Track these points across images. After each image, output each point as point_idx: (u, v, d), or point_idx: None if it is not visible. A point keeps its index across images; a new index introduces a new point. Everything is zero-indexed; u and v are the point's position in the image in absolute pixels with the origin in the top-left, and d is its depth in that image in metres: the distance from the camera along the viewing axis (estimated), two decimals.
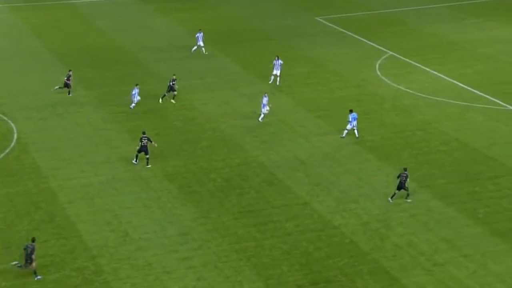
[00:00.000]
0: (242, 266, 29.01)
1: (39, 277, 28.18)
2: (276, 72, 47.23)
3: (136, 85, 43.72)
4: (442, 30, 58.62)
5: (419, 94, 45.70)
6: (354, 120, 39.44)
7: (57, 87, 45.77)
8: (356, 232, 31.12)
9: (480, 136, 39.58)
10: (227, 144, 38.51)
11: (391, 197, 33.26)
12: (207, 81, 48.74)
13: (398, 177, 33.39)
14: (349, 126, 39.45)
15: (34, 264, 28.02)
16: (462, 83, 47.17)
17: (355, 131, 39.47)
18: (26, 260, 27.96)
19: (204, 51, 53.46)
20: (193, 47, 53.64)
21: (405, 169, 33.66)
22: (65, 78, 45.69)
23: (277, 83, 47.09)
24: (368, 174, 36.01)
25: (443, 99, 44.57)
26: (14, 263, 28.47)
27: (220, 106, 44.43)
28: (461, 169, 36.05)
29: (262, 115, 41.78)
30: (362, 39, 57.11)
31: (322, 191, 34.48)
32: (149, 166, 36.39)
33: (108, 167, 35.97)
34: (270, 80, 47.31)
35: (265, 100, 41.88)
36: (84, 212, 32.71)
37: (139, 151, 36.62)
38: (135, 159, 36.79)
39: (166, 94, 44.86)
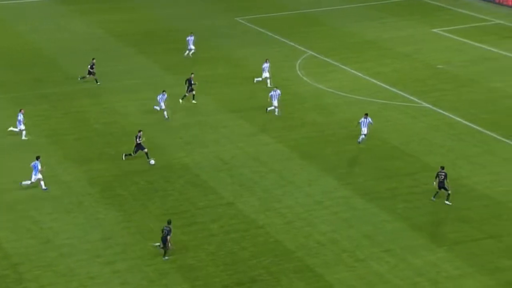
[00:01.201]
0: (167, 268, 28.97)
1: (166, 257, 29.18)
2: (266, 74, 47.08)
3: (163, 91, 42.47)
4: (360, 29, 59.72)
5: (339, 92, 46.49)
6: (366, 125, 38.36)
7: (80, 76, 46.96)
8: (280, 231, 31.46)
9: (398, 133, 40.54)
10: (149, 146, 38.33)
11: (434, 196, 32.90)
12: (128, 83, 48.38)
13: (436, 176, 32.85)
14: (365, 131, 38.56)
15: (169, 245, 29.13)
16: (380, 82, 48.20)
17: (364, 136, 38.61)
18: (163, 241, 29.17)
19: (190, 54, 52.84)
20: (185, 52, 52.79)
21: (443, 168, 33.07)
22: (89, 66, 46.81)
23: (269, 85, 46.78)
24: (291, 173, 36.43)
25: (362, 98, 45.46)
26: (155, 244, 29.47)
27: (142, 108, 44.16)
28: (381, 166, 36.85)
29: (274, 108, 42.08)
30: (282, 39, 57.65)
31: (246, 191, 34.70)
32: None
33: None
34: (257, 80, 47.57)
35: (276, 94, 42.55)
36: (3, 219, 32.03)
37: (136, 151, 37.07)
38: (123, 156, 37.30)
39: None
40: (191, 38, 53.19)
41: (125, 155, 37.44)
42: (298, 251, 29.99)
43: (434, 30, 58.85)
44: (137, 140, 37.08)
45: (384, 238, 30.69)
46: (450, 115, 42.54)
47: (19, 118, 39.41)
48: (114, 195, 34.20)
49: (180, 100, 44.65)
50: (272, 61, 52.36)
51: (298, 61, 52.34)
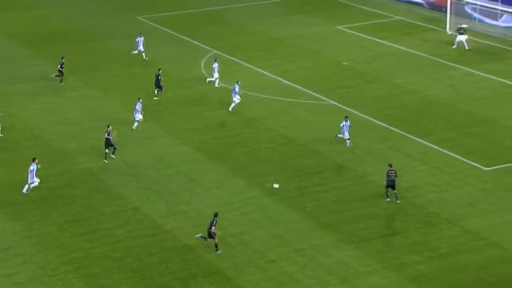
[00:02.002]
0: (71, 278, 28.12)
1: (219, 251, 29.16)
2: (216, 75, 46.60)
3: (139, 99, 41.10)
4: (266, 27, 59.85)
5: (246, 91, 46.38)
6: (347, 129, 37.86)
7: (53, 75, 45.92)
8: (189, 235, 31.04)
9: (305, 131, 40.75)
10: (51, 152, 37.21)
11: (387, 198, 32.71)
12: (27, 86, 46.91)
13: (387, 175, 32.78)
14: (347, 135, 37.94)
15: (215, 238, 29.24)
16: (286, 80, 48.40)
17: (347, 140, 38.04)
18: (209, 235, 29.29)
19: (144, 56, 51.50)
20: (133, 51, 51.57)
21: (391, 165, 33.01)
22: (59, 65, 46.52)
23: (216, 85, 46.53)
24: (199, 175, 36.07)
25: (269, 96, 45.49)
26: (198, 235, 29.56)
27: (42, 112, 42.88)
28: (289, 165, 36.94)
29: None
30: (186, 38, 57.18)
31: (153, 195, 34.13)
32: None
33: None
34: (209, 80, 46.87)
35: (237, 88, 41.86)
36: None
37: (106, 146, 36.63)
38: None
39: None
40: (140, 39, 52.01)
41: (105, 156, 36.77)
42: (207, 255, 29.66)
43: (339, 27, 59.59)
44: (106, 135, 36.80)
45: (294, 238, 30.74)
46: (356, 112, 43.07)
47: None
48: (13, 203, 33.02)
49: (155, 98, 44.66)
50: (176, 61, 51.89)
51: (203, 61, 51.99)
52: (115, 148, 37.17)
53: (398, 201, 32.96)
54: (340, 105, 44.17)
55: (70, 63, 50.71)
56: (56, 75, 47.35)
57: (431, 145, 38.52)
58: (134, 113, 40.53)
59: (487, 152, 37.53)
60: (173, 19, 62.42)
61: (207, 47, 54.94)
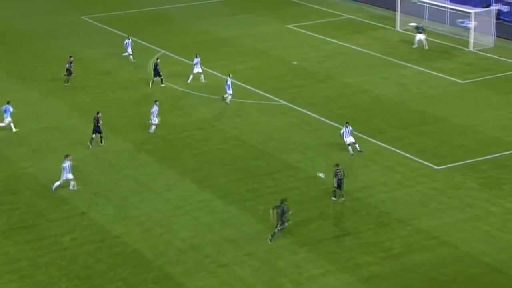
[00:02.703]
0: None
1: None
2: (198, 69, 46.81)
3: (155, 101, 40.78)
4: (213, 26, 59.75)
5: (195, 92, 46.25)
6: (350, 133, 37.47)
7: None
8: (138, 240, 30.79)
9: (256, 132, 40.78)
10: None
11: (333, 197, 33.05)
12: None
13: (334, 175, 32.92)
14: (352, 139, 37.42)
15: (285, 225, 29.76)
16: (236, 80, 48.33)
17: (356, 145, 37.64)
18: (281, 221, 29.85)
19: (132, 59, 50.89)
20: (124, 53, 50.95)
21: (337, 165, 33.18)
22: (67, 64, 46.28)
23: (202, 81, 46.97)
24: (148, 178, 35.82)
25: (219, 97, 45.37)
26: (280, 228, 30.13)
27: None
28: (241, 167, 36.92)
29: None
30: (132, 38, 56.71)
31: (101, 200, 33.79)
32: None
33: None
34: (188, 80, 46.62)
35: (155, 109, 40.40)
36: None
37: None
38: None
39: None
40: (128, 42, 51.31)
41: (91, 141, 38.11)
42: (157, 260, 29.45)
43: (289, 26, 59.81)
44: (96, 122, 38.21)
45: (246, 241, 30.71)
46: (307, 112, 43.27)
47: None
48: None
49: (150, 85, 46.12)
50: (122, 62, 51.47)
51: (150, 61, 51.65)
52: (101, 136, 38.25)
53: (343, 199, 33.18)
54: (291, 105, 44.33)
55: (12, 64, 49.93)
56: (64, 75, 46.97)
57: (382, 144, 38.90)
58: (151, 116, 40.06)
59: (438, 151, 38.07)
60: (118, 19, 61.92)
61: (154, 47, 54.60)
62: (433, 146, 38.69)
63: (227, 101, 43.74)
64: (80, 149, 38.45)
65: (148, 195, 34.31)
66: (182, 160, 37.60)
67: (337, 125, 40.67)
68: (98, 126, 38.18)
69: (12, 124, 40.29)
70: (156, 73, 46.39)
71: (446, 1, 57.47)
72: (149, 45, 55.17)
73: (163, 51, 53.70)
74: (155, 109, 40.30)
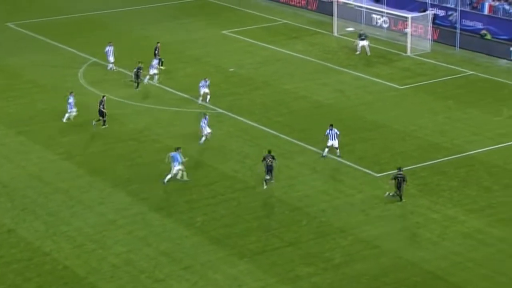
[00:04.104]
0: None
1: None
2: (154, 71, 47.32)
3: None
4: (149, 32, 59.23)
5: (128, 101, 45.70)
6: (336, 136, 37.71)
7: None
8: (69, 256, 30.18)
9: (192, 141, 40.41)
10: None
11: (391, 194, 33.99)
12: None
13: (394, 178, 33.64)
14: (336, 144, 37.64)
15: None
16: (171, 88, 47.99)
17: (337, 150, 37.92)
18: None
19: (113, 67, 49.85)
20: (108, 65, 49.98)
21: (399, 168, 34.02)
22: (135, 70, 46.77)
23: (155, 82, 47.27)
24: (79, 192, 35.20)
25: (153, 106, 44.93)
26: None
27: None
28: (176, 178, 36.54)
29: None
30: (61, 45, 55.96)
31: (29, 216, 33.04)
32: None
33: None
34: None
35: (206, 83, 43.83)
36: None
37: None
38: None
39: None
40: (110, 49, 50.06)
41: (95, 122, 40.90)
42: (90, 277, 28.90)
43: (224, 31, 59.72)
44: (101, 106, 40.81)
45: (183, 255, 30.38)
46: (245, 120, 43.17)
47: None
48: None
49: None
50: (51, 70, 50.72)
51: (81, 69, 50.91)
52: (105, 120, 40.62)
53: (264, 185, 34.38)
54: (228, 113, 44.16)
55: None
56: (131, 80, 47.19)
57: (322, 152, 38.99)
58: (202, 127, 39.34)
59: (378, 158, 38.37)
60: (46, 26, 60.93)
61: (85, 55, 53.84)
62: (373, 153, 39.00)
63: (206, 101, 44.77)
64: (2, 163, 37.62)
65: (79, 209, 33.69)
66: (115, 172, 37.05)
67: (276, 133, 40.66)
68: (101, 110, 40.80)
69: None
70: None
71: (384, 6, 58.21)
72: (79, 53, 54.36)
73: (94, 59, 52.94)
74: (204, 122, 39.58)
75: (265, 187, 34.82)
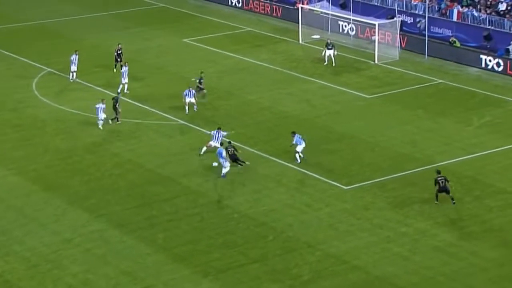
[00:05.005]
0: None
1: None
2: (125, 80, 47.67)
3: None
4: (104, 40, 59.05)
5: (84, 113, 45.43)
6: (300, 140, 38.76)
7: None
8: (23, 277, 29.86)
9: (153, 155, 40.36)
10: None
11: (437, 200, 34.80)
12: None
13: (436, 183, 34.52)
14: (300, 148, 38.65)
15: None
16: (131, 99, 47.82)
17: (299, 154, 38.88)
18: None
19: (74, 77, 49.67)
20: (68, 75, 49.43)
21: (439, 172, 35.08)
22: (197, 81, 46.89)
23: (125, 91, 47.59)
24: (33, 209, 34.90)
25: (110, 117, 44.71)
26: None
27: None
28: (137, 193, 36.42)
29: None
30: (12, 54, 55.60)
31: None
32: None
33: None
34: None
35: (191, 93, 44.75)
36: None
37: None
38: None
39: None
40: (75, 57, 49.66)
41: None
42: None
43: (185, 40, 59.73)
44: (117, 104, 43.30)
45: (145, 274, 30.23)
46: (206, 131, 43.13)
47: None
48: None
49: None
50: (1, 81, 50.32)
51: (35, 80, 50.54)
52: (117, 118, 43.34)
53: (453, 202, 34.90)
54: (190, 124, 44.12)
55: None
56: (198, 89, 46.86)
57: (288, 164, 39.15)
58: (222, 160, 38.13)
59: (346, 170, 38.59)
60: None
61: (38, 65, 53.45)
62: (341, 164, 39.22)
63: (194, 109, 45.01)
64: None
65: (33, 227, 33.37)
66: (71, 188, 36.79)
67: (240, 144, 40.72)
68: (116, 107, 42.88)
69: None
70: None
71: (350, 13, 58.67)
72: (32, 62, 53.97)
73: (48, 69, 52.59)
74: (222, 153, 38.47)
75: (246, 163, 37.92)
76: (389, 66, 53.82)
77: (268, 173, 38.32)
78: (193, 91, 45.48)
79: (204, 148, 39.67)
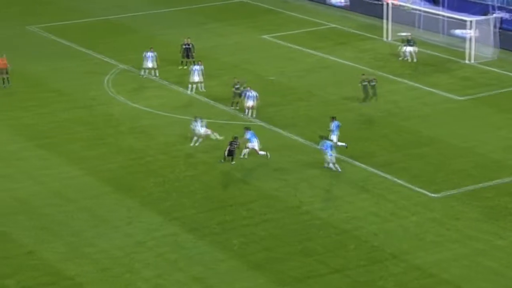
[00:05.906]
0: None
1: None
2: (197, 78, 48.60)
3: None
4: (179, 37, 59.76)
5: (159, 112, 46.23)
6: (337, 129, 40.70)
7: None
8: (94, 280, 30.59)
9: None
10: None
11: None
12: None
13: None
14: (333, 137, 40.09)
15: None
16: (206, 97, 48.42)
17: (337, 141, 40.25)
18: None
19: (154, 73, 51.29)
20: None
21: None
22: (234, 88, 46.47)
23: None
24: (105, 210, 35.69)
25: (187, 117, 45.33)
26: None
27: None
28: (212, 196, 36.90)
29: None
30: (86, 50, 56.81)
31: (51, 236, 33.55)
32: None
33: None
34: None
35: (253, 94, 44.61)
36: None
37: None
38: None
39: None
40: (150, 54, 51.19)
41: None
42: None
43: (264, 36, 60.12)
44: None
45: (218, 280, 30.63)
46: (286, 134, 43.39)
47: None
48: None
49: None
50: (75, 78, 51.49)
51: (107, 77, 51.62)
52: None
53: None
54: (268, 125, 44.44)
55: None
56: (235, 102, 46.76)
57: (372, 169, 39.09)
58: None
59: (434, 176, 38.32)
60: (70, 29, 61.95)
61: (112, 61, 54.59)
62: (428, 171, 38.96)
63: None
64: (22, 179, 38.28)
65: (105, 229, 34.13)
66: (144, 189, 37.48)
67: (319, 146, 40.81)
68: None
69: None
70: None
71: (442, 9, 58.10)
72: (105, 59, 55.11)
73: (121, 66, 53.67)
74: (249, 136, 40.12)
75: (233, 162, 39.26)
76: (484, 66, 53.15)
77: (352, 178, 38.32)
78: (255, 93, 45.25)
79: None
